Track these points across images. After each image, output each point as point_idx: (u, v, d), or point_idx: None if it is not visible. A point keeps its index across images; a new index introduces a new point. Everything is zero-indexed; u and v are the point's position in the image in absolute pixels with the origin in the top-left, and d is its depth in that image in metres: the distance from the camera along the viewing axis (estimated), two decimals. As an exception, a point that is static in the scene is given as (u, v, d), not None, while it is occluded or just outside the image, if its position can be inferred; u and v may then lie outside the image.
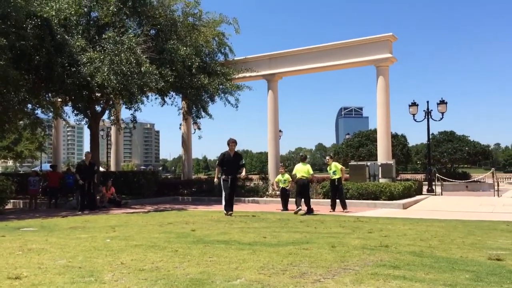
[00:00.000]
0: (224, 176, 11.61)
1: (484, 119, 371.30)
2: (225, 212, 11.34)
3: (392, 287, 3.44)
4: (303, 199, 12.53)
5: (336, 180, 13.57)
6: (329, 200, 14.34)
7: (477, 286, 3.47)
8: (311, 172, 13.00)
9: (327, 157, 14.12)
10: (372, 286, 3.49)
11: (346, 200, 14.23)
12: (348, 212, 13.00)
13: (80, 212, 13.82)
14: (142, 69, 14.97)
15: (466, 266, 4.31)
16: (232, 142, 11.72)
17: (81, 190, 14.56)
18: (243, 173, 12.23)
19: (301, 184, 12.58)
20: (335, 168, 13.60)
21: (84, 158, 15.62)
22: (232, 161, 11.64)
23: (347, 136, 41.26)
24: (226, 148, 11.62)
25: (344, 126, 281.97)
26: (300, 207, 12.26)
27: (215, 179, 12.02)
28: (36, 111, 19.52)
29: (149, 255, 4.99)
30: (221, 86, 19.15)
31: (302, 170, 12.72)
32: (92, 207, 14.70)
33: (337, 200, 13.78)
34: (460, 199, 18.00)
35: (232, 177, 11.54)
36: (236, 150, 11.92)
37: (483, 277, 3.82)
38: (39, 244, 6.10)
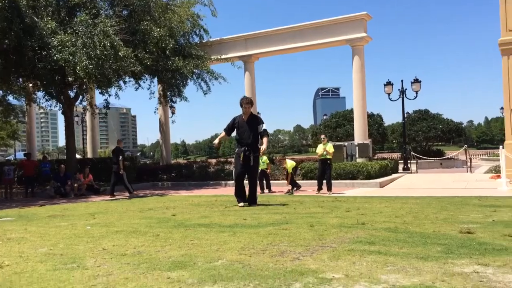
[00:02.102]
0: (237, 149, 8.93)
1: (458, 97, 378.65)
2: (237, 202, 8.85)
3: (368, 262, 3.58)
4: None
5: (328, 160, 13.27)
6: (308, 181, 14.52)
7: (448, 258, 3.64)
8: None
9: (323, 136, 13.95)
10: (349, 261, 3.62)
11: (325, 181, 14.41)
12: (332, 194, 12.71)
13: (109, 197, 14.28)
14: (120, 53, 14.68)
15: (438, 240, 4.49)
16: (246, 103, 8.86)
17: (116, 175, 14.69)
18: (264, 146, 9.00)
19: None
20: (329, 149, 13.29)
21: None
22: (247, 127, 8.79)
23: (324, 117, 41.62)
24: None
25: (321, 106, 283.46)
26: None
27: (216, 141, 9.42)
28: (8, 97, 19.07)
29: (130, 241, 5.03)
30: (196, 71, 18.95)
31: None
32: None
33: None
34: (434, 176, 18.51)
35: (249, 151, 8.66)
36: (249, 114, 8.95)
37: (453, 249, 4.00)
38: (19, 233, 6.07)
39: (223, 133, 9.23)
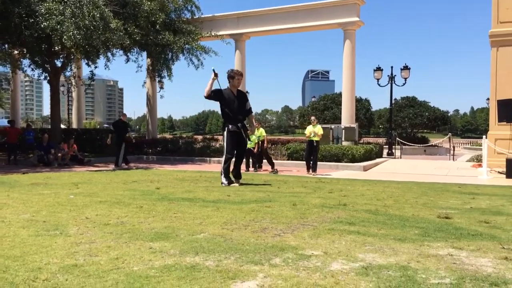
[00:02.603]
0: (230, 126, 8.39)
1: (446, 86, 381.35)
2: (223, 181, 8.38)
3: (347, 241, 3.67)
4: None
5: (315, 142, 13.37)
6: (293, 161, 14.61)
7: (424, 241, 3.75)
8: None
9: (313, 118, 14.02)
10: (328, 240, 3.70)
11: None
12: (316, 175, 12.91)
13: (115, 167, 14.68)
14: (111, 25, 14.43)
15: (416, 223, 4.61)
16: (239, 75, 8.50)
17: (118, 146, 15.34)
18: (254, 125, 8.99)
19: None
20: (318, 131, 13.38)
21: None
22: (237, 102, 8.38)
23: (313, 99, 41.64)
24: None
25: (310, 89, 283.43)
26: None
27: (211, 79, 8.34)
28: (-8, 64, 18.69)
29: (114, 211, 5.06)
30: (186, 46, 18.75)
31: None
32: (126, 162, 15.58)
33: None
34: (417, 162, 18.78)
35: (243, 127, 8.48)
36: (236, 89, 8.51)
37: (430, 233, 4.11)
38: (1, 199, 6.04)
39: (209, 87, 8.31)
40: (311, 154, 13.45)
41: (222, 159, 8.61)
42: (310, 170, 13.35)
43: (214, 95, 8.38)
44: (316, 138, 13.36)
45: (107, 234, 3.82)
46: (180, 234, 3.85)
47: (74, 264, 2.90)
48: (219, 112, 9.13)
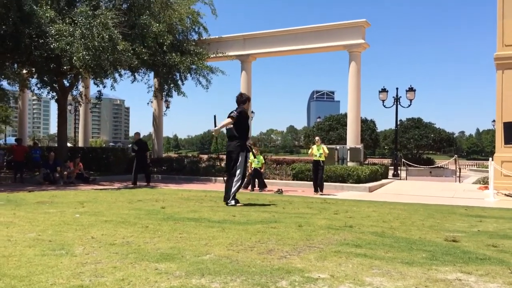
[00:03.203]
0: (246, 143, 8.63)
1: (451, 107, 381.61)
2: (236, 203, 8.36)
3: (354, 264, 3.64)
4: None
5: (321, 162, 13.45)
6: (298, 182, 14.62)
7: (432, 264, 3.71)
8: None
9: (317, 138, 14.13)
10: (335, 262, 3.67)
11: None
12: (323, 194, 12.96)
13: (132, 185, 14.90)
14: (118, 47, 14.67)
15: (423, 246, 4.56)
16: (249, 101, 8.98)
17: (136, 165, 15.46)
18: (218, 127, 8.65)
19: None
20: (323, 151, 13.45)
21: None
22: (248, 123, 8.75)
23: (318, 120, 41.75)
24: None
25: (315, 109, 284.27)
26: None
27: (217, 128, 8.54)
28: (1, 83, 18.95)
29: (119, 231, 5.05)
30: (193, 66, 18.97)
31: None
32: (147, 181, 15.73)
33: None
34: (423, 184, 18.66)
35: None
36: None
37: (438, 256, 4.07)
38: (7, 217, 6.06)
39: (229, 120, 8.29)
40: (318, 175, 13.50)
41: (236, 181, 8.47)
42: (318, 190, 13.37)
43: (240, 115, 8.42)
44: (321, 158, 13.41)
45: (112, 254, 3.81)
46: (186, 255, 3.83)
47: (80, 285, 2.89)
48: (224, 132, 9.19)
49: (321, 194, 12.96)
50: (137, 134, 16.28)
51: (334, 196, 12.68)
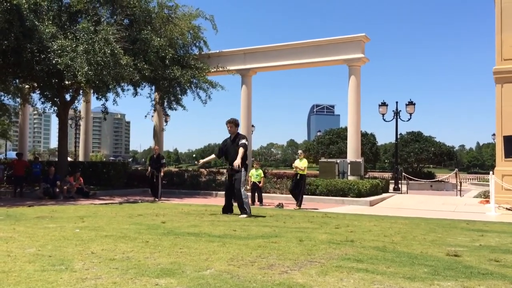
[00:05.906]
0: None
1: (451, 121, 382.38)
2: (250, 212, 9.30)
3: (355, 279, 3.61)
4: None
5: (300, 175, 13.52)
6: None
7: (434, 279, 3.68)
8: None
9: (300, 151, 14.21)
10: (336, 277, 3.65)
11: (316, 197, 14.48)
12: (300, 208, 12.89)
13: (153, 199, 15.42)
14: (121, 61, 14.80)
15: (425, 261, 4.54)
16: (229, 123, 9.56)
17: (149, 180, 15.97)
18: (238, 160, 8.97)
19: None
20: (305, 164, 13.67)
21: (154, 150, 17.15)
22: (230, 145, 9.54)
23: (318, 133, 41.80)
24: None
25: (315, 123, 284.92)
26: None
27: (200, 161, 10.37)
28: (3, 97, 19.04)
29: (119, 245, 5.03)
30: (193, 80, 19.07)
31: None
32: (155, 195, 15.90)
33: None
34: (424, 198, 18.61)
35: (231, 167, 9.31)
36: (235, 134, 9.49)
37: (440, 271, 4.04)
38: (7, 232, 6.03)
39: (213, 156, 10.20)
40: (296, 187, 13.54)
41: (244, 195, 9.33)
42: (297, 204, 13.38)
43: (219, 152, 9.91)
44: (300, 172, 13.49)
45: (112, 270, 3.79)
46: (186, 270, 3.81)
47: (79, 300, 2.87)
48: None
49: (298, 209, 12.82)
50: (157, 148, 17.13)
51: (334, 211, 12.63)
